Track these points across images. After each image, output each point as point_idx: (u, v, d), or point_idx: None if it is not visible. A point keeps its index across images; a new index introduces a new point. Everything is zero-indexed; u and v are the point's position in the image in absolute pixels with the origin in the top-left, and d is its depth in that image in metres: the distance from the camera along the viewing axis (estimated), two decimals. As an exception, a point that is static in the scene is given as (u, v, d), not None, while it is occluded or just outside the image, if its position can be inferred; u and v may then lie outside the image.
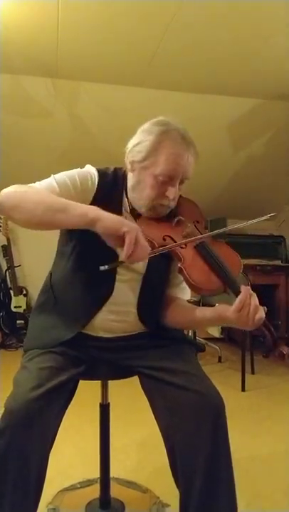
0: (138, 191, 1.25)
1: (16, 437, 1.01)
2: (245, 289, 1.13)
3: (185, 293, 1.39)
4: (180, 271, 1.22)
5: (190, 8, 2.59)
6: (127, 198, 1.29)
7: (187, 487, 1.11)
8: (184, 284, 1.31)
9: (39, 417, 1.04)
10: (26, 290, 4.46)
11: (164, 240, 1.22)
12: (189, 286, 1.24)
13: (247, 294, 1.12)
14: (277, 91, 3.68)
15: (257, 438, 2.29)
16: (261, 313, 1.12)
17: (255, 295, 1.13)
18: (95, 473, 1.54)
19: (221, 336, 4.56)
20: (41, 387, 1.07)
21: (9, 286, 4.41)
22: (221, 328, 4.55)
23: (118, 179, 1.31)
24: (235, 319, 1.12)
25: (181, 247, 1.23)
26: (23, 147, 3.99)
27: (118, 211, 1.24)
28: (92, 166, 1.31)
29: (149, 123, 1.25)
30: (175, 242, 1.21)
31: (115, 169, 1.33)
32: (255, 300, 1.12)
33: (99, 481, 1.50)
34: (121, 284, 1.28)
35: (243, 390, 3.02)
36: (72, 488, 1.71)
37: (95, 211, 1.03)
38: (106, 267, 1.06)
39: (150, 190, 1.22)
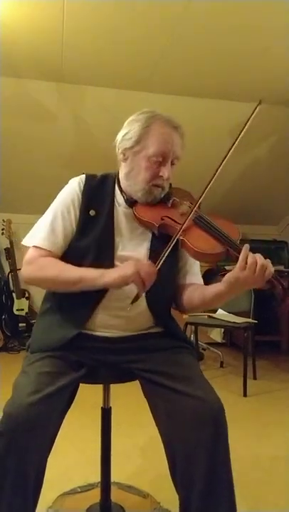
0: (132, 177, 1.30)
1: (14, 441, 1.01)
2: (245, 247, 1.14)
3: (198, 278, 1.41)
4: (182, 243, 1.24)
5: (194, 15, 2.61)
6: (121, 191, 1.34)
7: (187, 493, 1.11)
8: (197, 269, 1.39)
9: (37, 422, 1.04)
10: (29, 293, 4.46)
11: (163, 219, 1.27)
12: (194, 255, 1.26)
13: (247, 250, 1.13)
14: (281, 96, 3.68)
15: (258, 443, 2.28)
16: (270, 268, 1.12)
17: (258, 254, 1.13)
18: (96, 477, 1.54)
19: (223, 341, 4.55)
20: (40, 392, 1.07)
21: (12, 289, 4.42)
22: (224, 333, 4.54)
23: (108, 178, 1.37)
24: (243, 278, 1.11)
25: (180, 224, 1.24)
26: (28, 151, 4.01)
27: (110, 206, 1.32)
28: (96, 169, 1.40)
29: (135, 114, 1.33)
30: (173, 220, 1.26)
31: (105, 173, 1.39)
32: (261, 258, 1.12)
33: (100, 485, 1.49)
34: None
35: (245, 395, 3.01)
36: (73, 492, 1.70)
37: (100, 279, 1.17)
38: (130, 305, 1.17)
39: (145, 173, 1.28)
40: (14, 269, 4.36)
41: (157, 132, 1.27)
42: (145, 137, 1.27)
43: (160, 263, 1.17)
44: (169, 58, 3.11)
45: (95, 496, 1.54)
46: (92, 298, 1.27)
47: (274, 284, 1.16)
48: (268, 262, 1.13)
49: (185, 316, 3.48)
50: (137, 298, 1.17)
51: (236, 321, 3.22)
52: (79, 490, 1.71)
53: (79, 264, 1.26)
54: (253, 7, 2.54)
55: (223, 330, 4.48)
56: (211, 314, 3.48)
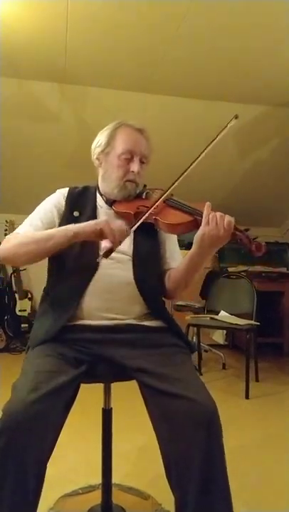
0: (108, 177, 1.45)
1: (13, 440, 1.01)
2: (206, 205, 1.25)
3: (177, 262, 1.48)
4: (156, 222, 1.36)
5: (196, 16, 2.61)
6: (101, 196, 1.48)
7: (182, 494, 1.11)
8: (178, 256, 1.49)
9: (36, 420, 1.04)
10: (31, 294, 4.47)
11: (138, 208, 1.39)
12: (167, 229, 1.38)
13: (209, 208, 1.25)
14: (283, 98, 3.68)
15: (260, 446, 2.27)
16: (228, 217, 1.23)
17: (219, 212, 1.25)
18: (97, 478, 1.54)
19: (226, 343, 4.55)
20: (38, 390, 1.07)
21: (14, 289, 4.43)
22: (226, 334, 4.54)
23: (89, 187, 1.52)
24: (208, 232, 1.23)
25: (154, 209, 1.35)
26: (29, 151, 4.02)
27: (93, 208, 1.46)
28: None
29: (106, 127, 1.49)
30: (147, 207, 1.36)
31: (86, 184, 1.54)
32: (219, 212, 1.24)
33: (101, 486, 1.49)
34: (111, 265, 1.34)
35: (247, 397, 3.00)
36: (74, 493, 1.70)
37: (70, 228, 1.26)
38: (100, 257, 1.23)
39: (117, 170, 1.42)
40: (17, 270, 4.37)
41: (123, 133, 1.44)
42: (113, 139, 1.43)
43: (136, 225, 1.26)
44: (170, 60, 3.11)
45: (96, 498, 1.54)
46: (79, 286, 1.33)
47: (238, 236, 1.27)
48: (228, 215, 1.24)
49: (187, 317, 3.48)
50: (110, 251, 1.21)
51: (238, 323, 3.21)
52: (80, 491, 1.71)
53: (66, 257, 1.35)
54: (255, 9, 2.55)
55: (225, 332, 4.48)
56: (213, 316, 3.48)
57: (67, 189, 1.49)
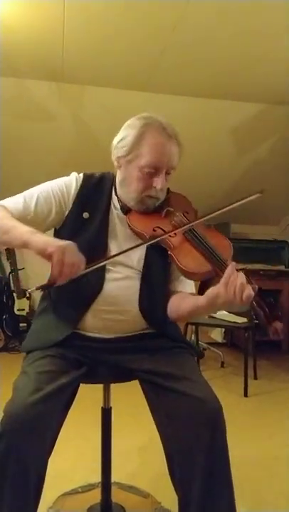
0: (126, 186, 1.29)
1: (14, 441, 1.01)
2: (231, 265, 1.12)
3: (185, 285, 1.37)
4: (170, 258, 1.23)
5: (194, 14, 2.60)
6: (117, 196, 1.33)
7: (186, 493, 1.11)
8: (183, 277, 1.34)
9: (38, 421, 1.04)
10: (29, 293, 4.46)
11: (154, 230, 1.23)
12: (181, 272, 1.24)
13: (233, 268, 1.10)
14: (281, 96, 3.68)
15: (259, 444, 2.27)
16: (248, 290, 1.07)
17: (242, 274, 1.10)
18: (97, 477, 1.54)
19: (224, 341, 4.54)
20: (40, 391, 1.07)
21: (12, 288, 4.42)
22: (224, 333, 4.53)
23: (105, 180, 1.35)
24: (223, 296, 1.09)
25: (171, 236, 1.23)
26: (27, 150, 4.01)
27: (106, 209, 1.31)
28: (94, 170, 1.38)
29: (132, 118, 1.29)
30: (165, 231, 1.23)
31: (103, 173, 1.37)
32: (241, 278, 1.08)
33: (100, 485, 1.49)
34: (117, 282, 1.28)
35: (246, 395, 3.01)
36: (74, 492, 1.70)
37: (28, 235, 1.09)
38: (33, 288, 1.08)
39: (137, 183, 1.25)
40: (15, 269, 4.36)
41: (150, 142, 1.22)
42: (138, 146, 1.23)
43: (93, 267, 1.10)
44: (169, 58, 3.10)
45: (95, 496, 1.54)
46: (82, 300, 1.27)
47: (257, 310, 1.12)
48: (249, 286, 1.08)
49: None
50: (47, 285, 1.07)
51: (237, 321, 3.22)
52: (80, 490, 1.71)
53: None
54: (255, 8, 2.54)
55: (223, 330, 4.48)
56: (211, 314, 3.48)
57: (81, 178, 1.32)
